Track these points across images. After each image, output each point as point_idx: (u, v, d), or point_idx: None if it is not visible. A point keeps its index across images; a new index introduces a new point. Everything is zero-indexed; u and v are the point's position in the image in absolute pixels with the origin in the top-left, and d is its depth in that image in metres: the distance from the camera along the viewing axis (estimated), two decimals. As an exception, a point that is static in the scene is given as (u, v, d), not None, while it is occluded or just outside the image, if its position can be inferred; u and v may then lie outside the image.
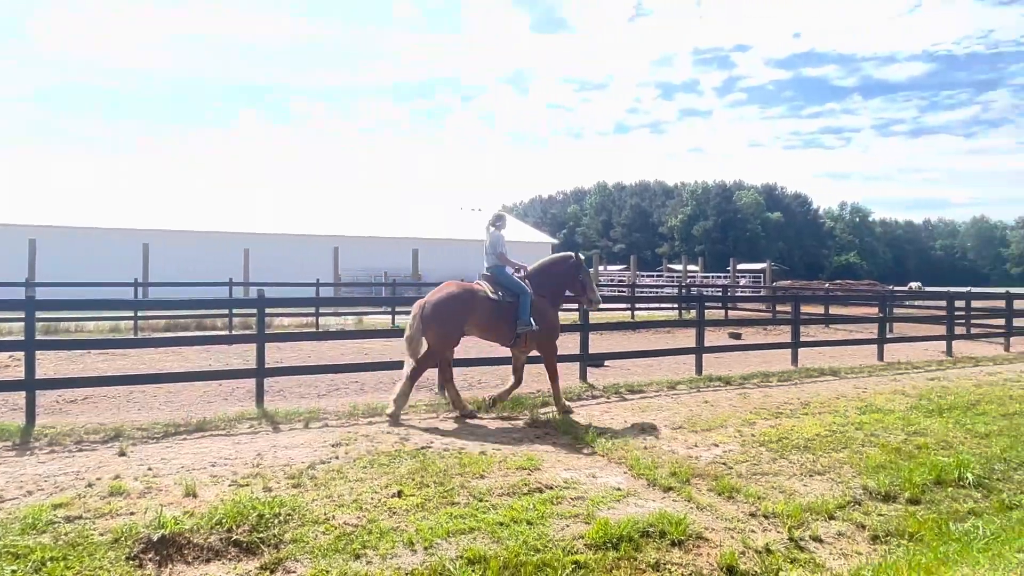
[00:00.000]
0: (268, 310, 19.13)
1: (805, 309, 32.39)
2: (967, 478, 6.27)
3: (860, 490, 5.95)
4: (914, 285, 50.78)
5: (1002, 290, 20.23)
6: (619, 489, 5.59)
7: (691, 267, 59.91)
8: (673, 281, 51.05)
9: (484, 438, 6.94)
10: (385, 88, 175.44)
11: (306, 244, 35.37)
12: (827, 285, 36.01)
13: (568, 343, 16.52)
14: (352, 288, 31.16)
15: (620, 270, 69.70)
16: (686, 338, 16.78)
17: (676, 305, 25.78)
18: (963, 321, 18.55)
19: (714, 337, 16.58)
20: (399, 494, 5.23)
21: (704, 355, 11.75)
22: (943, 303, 17.40)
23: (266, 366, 8.53)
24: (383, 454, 6.19)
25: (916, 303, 26.56)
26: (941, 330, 16.27)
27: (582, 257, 8.85)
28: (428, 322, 7.79)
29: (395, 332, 9.61)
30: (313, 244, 35.23)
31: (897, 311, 24.38)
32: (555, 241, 49.47)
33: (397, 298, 12.20)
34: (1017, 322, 17.81)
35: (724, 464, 6.40)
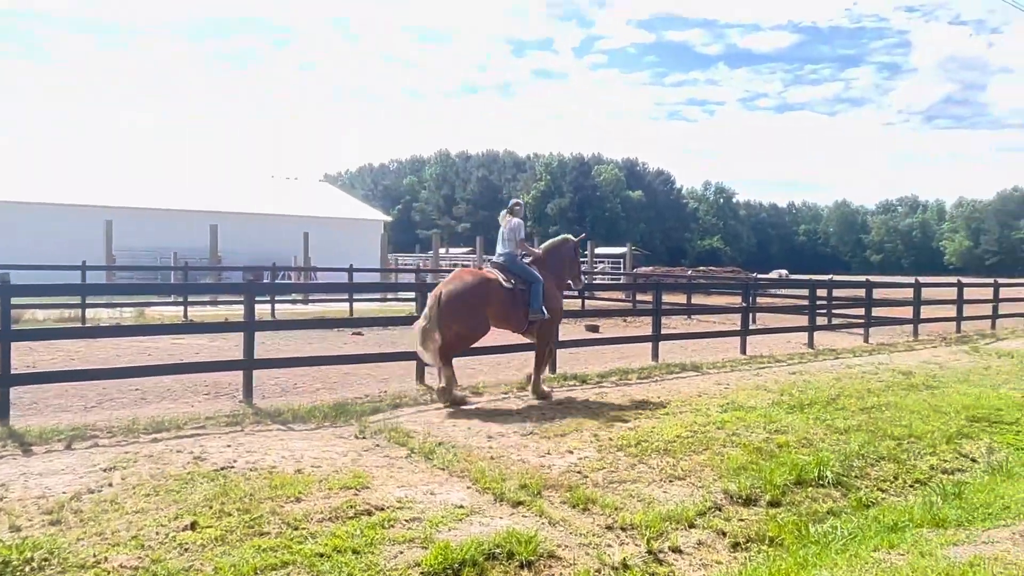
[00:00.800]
0: (15, 300, 17.51)
1: (667, 298, 34.49)
2: (827, 476, 6.99)
3: (721, 494, 6.43)
4: (780, 273, 55.60)
5: (862, 278, 22.79)
6: (461, 506, 5.64)
7: (545, 251, 61.32)
8: (525, 266, 52.16)
9: (301, 453, 6.71)
10: (179, 25, 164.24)
11: (67, 216, 32.31)
12: (690, 272, 38.66)
13: (406, 337, 16.44)
14: (131, 273, 28.95)
15: (465, 253, 70.23)
16: (539, 331, 17.30)
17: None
18: (824, 311, 20.65)
19: (569, 330, 17.20)
20: (193, 526, 4.94)
21: (558, 351, 12.14)
22: (805, 292, 19.22)
23: (12, 372, 7.72)
24: (172, 478, 5.80)
25: (779, 292, 29.24)
26: (803, 321, 18.00)
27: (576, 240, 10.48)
28: (450, 315, 8.89)
29: (191, 327, 9.07)
30: (78, 216, 32.24)
31: (760, 300, 26.64)
32: (387, 218, 48.93)
33: (191, 285, 11.45)
34: (877, 311, 20.13)
35: (579, 473, 6.65)
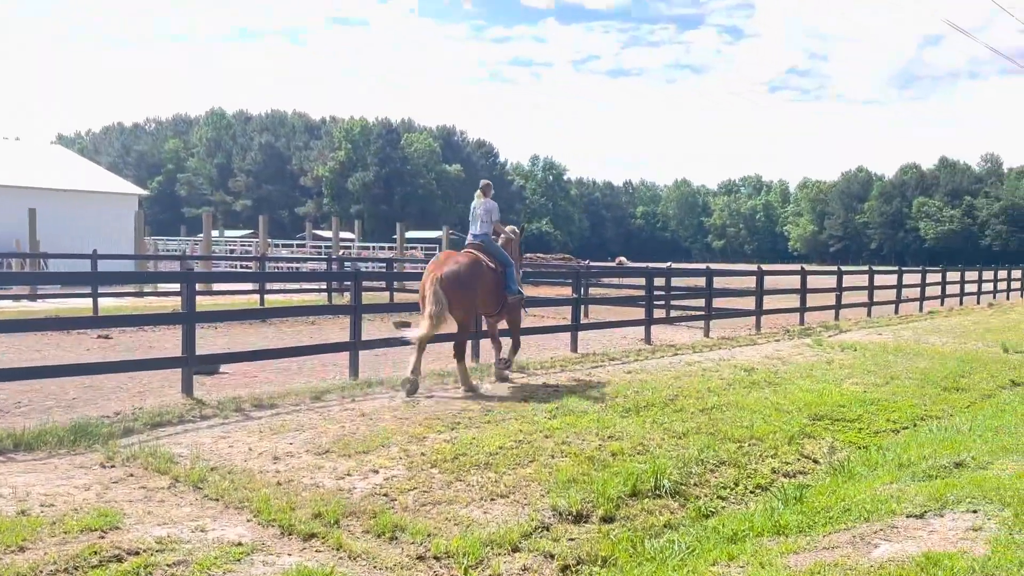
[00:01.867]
0: None
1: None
2: (664, 486, 7.43)
3: (549, 512, 6.67)
4: (621, 260, 58.14)
5: (703, 266, 24.38)
6: (240, 544, 5.50)
7: (345, 234, 60.73)
8: (321, 253, 51.42)
9: (27, 490, 6.25)
10: None
11: None
12: (516, 259, 39.67)
13: (168, 340, 15.70)
14: None
15: (245, 236, 67.90)
16: (338, 330, 17.05)
17: (324, 285, 26.04)
18: (663, 303, 21.89)
19: (376, 328, 17.13)
20: None
21: (362, 352, 12.08)
22: (642, 281, 20.27)
23: None
24: None
25: (614, 282, 30.63)
26: (640, 314, 19.00)
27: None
28: (454, 296, 10.65)
29: None
30: None
31: (593, 291, 27.77)
32: (143, 192, 46.40)
33: None
34: (718, 303, 21.64)
35: (385, 496, 6.66)
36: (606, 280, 32.00)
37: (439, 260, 11.18)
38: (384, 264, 35.10)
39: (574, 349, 15.50)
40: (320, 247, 52.80)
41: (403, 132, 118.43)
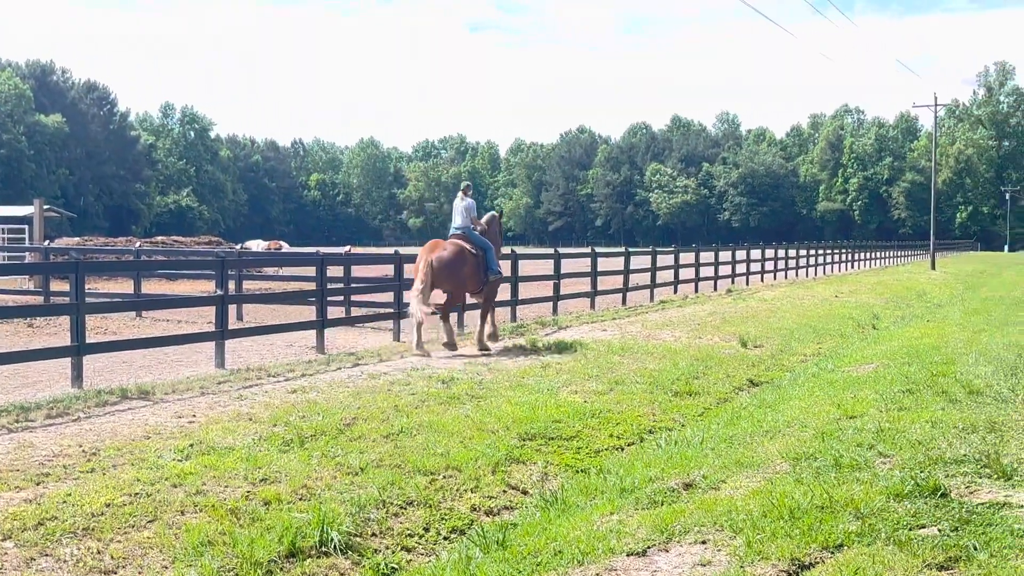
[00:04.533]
0: None
1: (100, 286, 33.36)
2: (332, 540, 7.35)
3: (175, 588, 6.36)
4: (346, 249, 56.76)
5: (390, 250, 24.60)
6: None
7: None
8: None
9: None
10: None
11: None
12: (139, 244, 37.94)
13: None
14: None
15: None
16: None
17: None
18: (341, 299, 21.83)
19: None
20: None
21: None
22: (314, 272, 20.07)
23: None
24: None
25: (278, 273, 30.18)
26: (311, 313, 18.79)
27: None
28: (443, 277, 17.13)
29: None
30: None
31: (249, 285, 27.23)
32: None
33: None
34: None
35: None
36: (268, 271, 31.50)
37: (429, 247, 17.45)
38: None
39: (220, 364, 15.04)
40: None
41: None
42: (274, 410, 11.42)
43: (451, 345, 17.25)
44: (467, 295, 18.52)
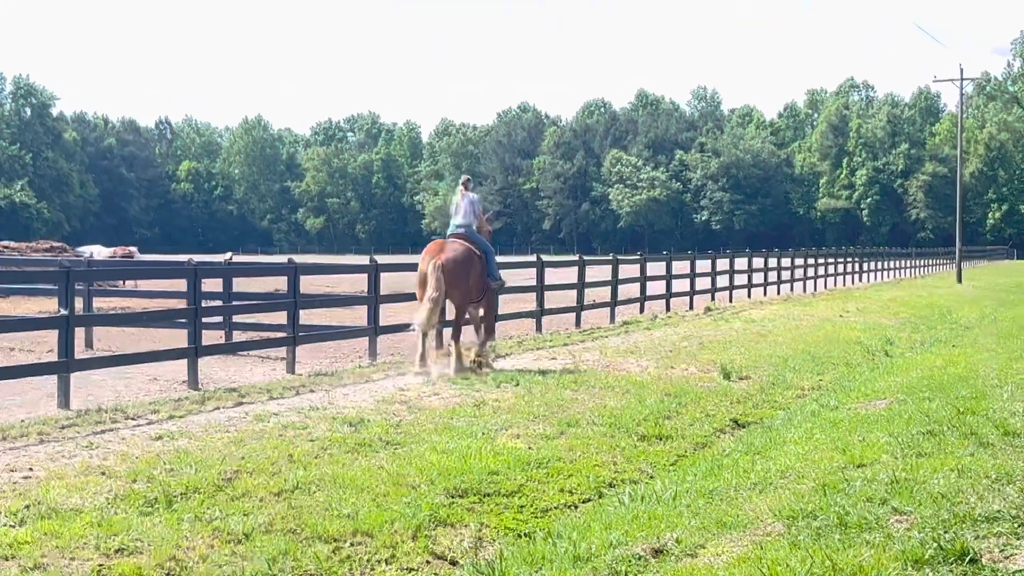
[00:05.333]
0: None
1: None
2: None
3: None
4: (227, 257, 56.13)
5: (284, 259, 24.44)
6: None
7: None
8: None
9: None
10: None
11: None
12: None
13: None
14: None
15: None
16: None
17: None
18: (221, 320, 21.64)
19: None
20: None
21: None
22: (184, 285, 19.84)
23: None
24: None
25: (143, 288, 29.80)
26: (180, 339, 18.56)
27: None
28: (454, 282, 18.36)
29: None
30: None
31: (104, 302, 26.87)
32: None
33: None
34: (310, 316, 21.71)
35: None
36: (127, 285, 31.12)
37: (434, 248, 18.96)
38: None
39: (64, 404, 14.86)
40: None
41: None
42: (133, 462, 11.28)
43: (462, 368, 18.68)
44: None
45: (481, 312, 20.20)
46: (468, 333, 20.57)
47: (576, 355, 22.19)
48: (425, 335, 18.44)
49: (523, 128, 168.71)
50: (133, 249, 59.98)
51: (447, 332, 20.21)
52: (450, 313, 19.69)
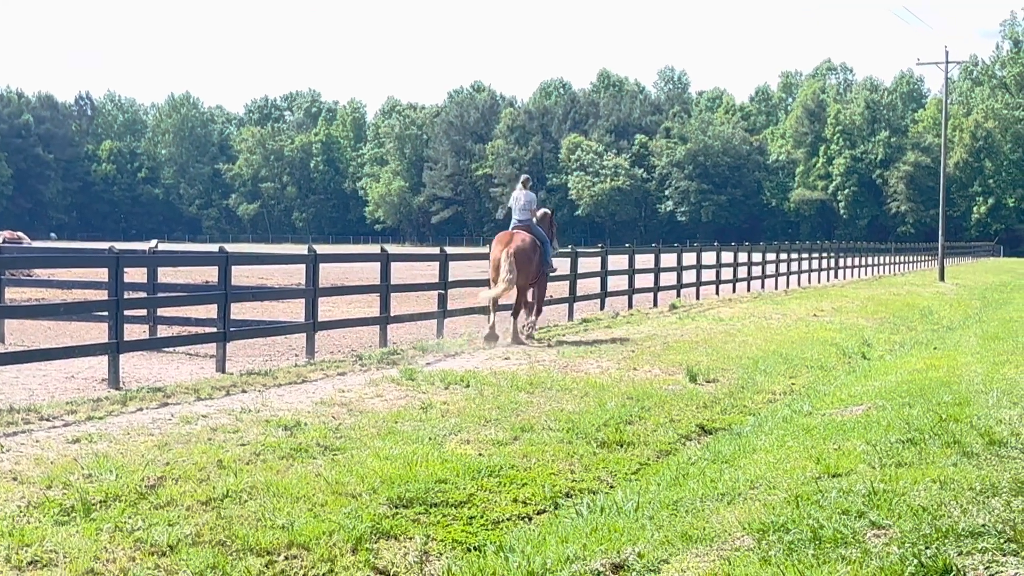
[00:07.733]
0: None
1: None
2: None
3: None
4: (152, 246, 55.67)
5: (214, 247, 24.29)
6: None
7: None
8: None
9: None
10: None
11: None
12: None
13: None
14: None
15: None
16: None
17: None
18: (144, 314, 21.50)
19: None
20: None
21: None
22: (104, 275, 19.66)
23: None
24: None
25: (58, 277, 29.54)
26: (102, 332, 18.42)
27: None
28: (522, 267, 24.11)
29: None
30: None
31: (16, 293, 26.61)
32: None
33: None
34: (242, 311, 21.62)
35: None
36: (41, 273, 30.84)
37: (505, 238, 24.30)
38: None
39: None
40: None
41: None
42: (48, 467, 11.16)
43: (519, 340, 24.21)
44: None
45: (530, 294, 25.44)
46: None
47: (531, 355, 22.19)
48: (494, 307, 23.99)
49: (476, 109, 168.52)
50: (22, 234, 59.30)
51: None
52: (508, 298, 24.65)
